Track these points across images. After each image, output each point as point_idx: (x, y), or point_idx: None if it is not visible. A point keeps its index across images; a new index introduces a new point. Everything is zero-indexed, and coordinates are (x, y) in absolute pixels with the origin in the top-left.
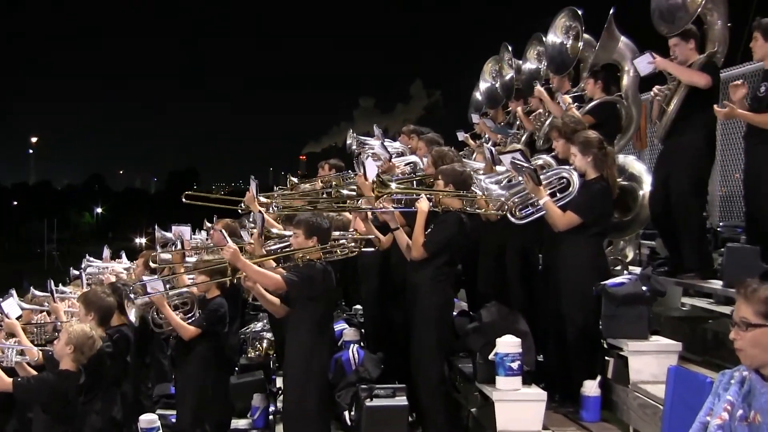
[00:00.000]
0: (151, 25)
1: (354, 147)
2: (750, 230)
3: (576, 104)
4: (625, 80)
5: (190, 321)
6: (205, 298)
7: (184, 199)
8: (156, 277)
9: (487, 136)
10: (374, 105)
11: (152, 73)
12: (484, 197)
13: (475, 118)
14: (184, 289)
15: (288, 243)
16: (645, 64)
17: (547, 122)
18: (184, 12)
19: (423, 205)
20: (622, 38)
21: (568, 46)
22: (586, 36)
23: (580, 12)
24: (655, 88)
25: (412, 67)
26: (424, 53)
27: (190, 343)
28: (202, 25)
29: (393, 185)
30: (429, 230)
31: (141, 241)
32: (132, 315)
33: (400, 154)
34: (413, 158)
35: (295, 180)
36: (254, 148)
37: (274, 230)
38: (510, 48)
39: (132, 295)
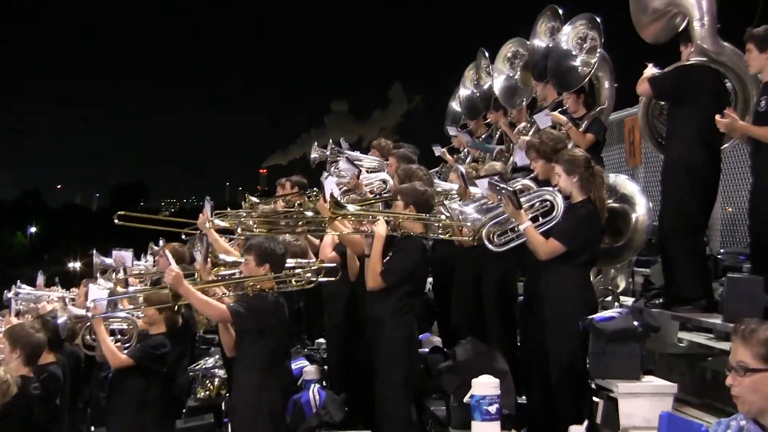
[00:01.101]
0: (86, 27)
1: (328, 159)
2: (756, 258)
3: (570, 123)
4: (604, 93)
5: (125, 351)
6: (148, 333)
7: (116, 221)
8: (102, 287)
9: (466, 150)
10: (348, 110)
11: (94, 75)
12: (453, 221)
13: (452, 130)
14: (126, 315)
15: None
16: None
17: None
18: (115, 12)
19: (380, 228)
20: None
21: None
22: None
23: (560, 11)
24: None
25: (391, 68)
26: (404, 52)
27: (124, 380)
28: (148, 24)
29: (349, 207)
30: (387, 258)
31: (75, 265)
32: (60, 320)
33: (377, 170)
34: (384, 175)
35: (255, 199)
36: (209, 159)
37: (227, 257)
38: (487, 54)
39: (67, 302)
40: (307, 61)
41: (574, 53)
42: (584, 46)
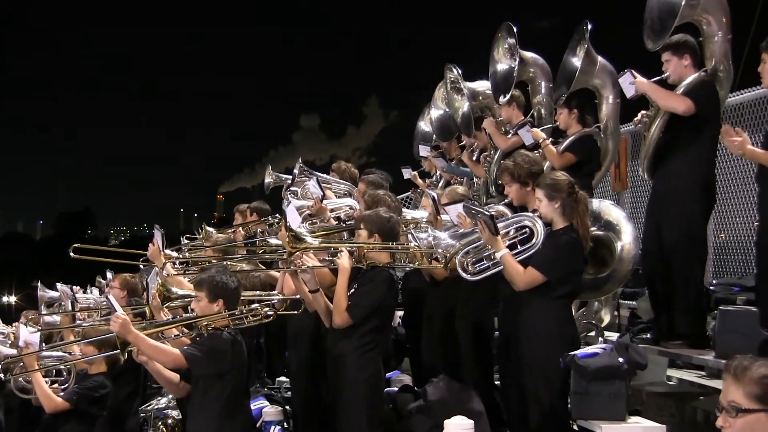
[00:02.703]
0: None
1: (295, 180)
2: (762, 290)
3: (551, 139)
4: (605, 109)
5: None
6: (87, 373)
7: (72, 254)
8: (34, 328)
9: (438, 174)
10: (319, 126)
11: (34, 94)
12: (420, 249)
13: (423, 151)
14: (62, 354)
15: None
16: (627, 84)
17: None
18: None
19: (344, 261)
20: (600, 59)
21: (513, 68)
22: (528, 54)
23: (515, 28)
24: (641, 113)
25: (367, 81)
26: (381, 63)
27: (59, 425)
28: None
29: (308, 239)
30: (353, 291)
31: (10, 299)
32: None
33: (347, 195)
34: (351, 201)
35: (211, 230)
36: (162, 184)
37: (179, 290)
38: (456, 70)
39: None
40: (273, 71)
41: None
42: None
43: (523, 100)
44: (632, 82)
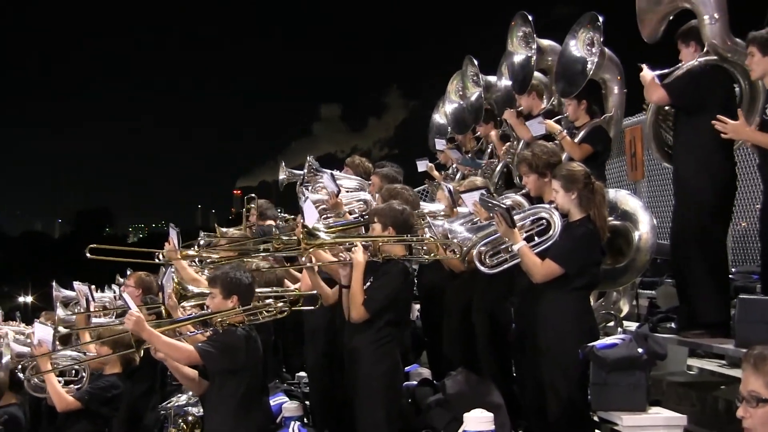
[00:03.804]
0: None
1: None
2: (766, 277)
3: (566, 130)
4: (612, 99)
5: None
6: (101, 373)
7: (88, 255)
8: (48, 324)
9: (454, 166)
10: (340, 115)
11: (53, 94)
12: (436, 241)
13: (439, 144)
14: (76, 353)
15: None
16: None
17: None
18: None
19: (358, 255)
20: (607, 51)
21: (531, 57)
22: (545, 42)
23: (530, 17)
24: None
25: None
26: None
27: (69, 424)
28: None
29: (322, 235)
30: (368, 285)
31: (26, 300)
32: (3, 359)
33: (357, 190)
34: (365, 195)
35: (224, 229)
36: (179, 180)
37: (195, 288)
38: (476, 62)
39: (8, 338)
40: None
41: (587, 59)
42: (593, 50)
43: (542, 88)
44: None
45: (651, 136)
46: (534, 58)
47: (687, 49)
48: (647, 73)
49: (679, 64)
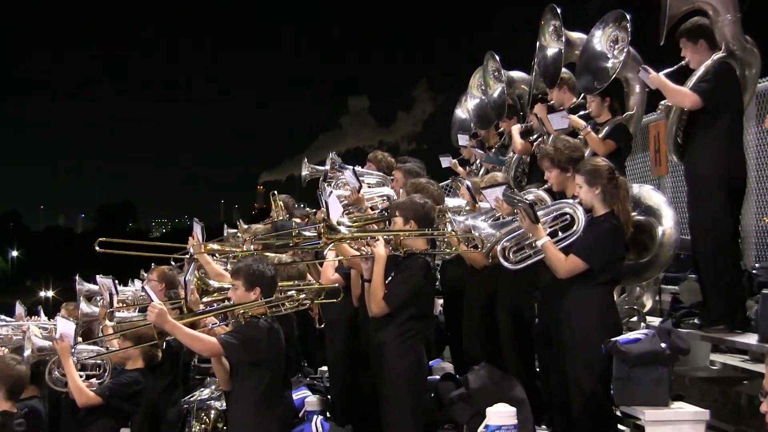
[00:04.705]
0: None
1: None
2: None
3: (589, 125)
4: (633, 98)
5: (94, 387)
6: (124, 369)
7: (97, 248)
8: (71, 321)
9: (478, 162)
10: (369, 108)
11: (77, 87)
12: (457, 235)
13: (462, 140)
14: (98, 348)
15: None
16: (648, 79)
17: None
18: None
19: (380, 249)
20: (631, 50)
21: (561, 50)
22: (574, 35)
23: (558, 9)
24: (660, 104)
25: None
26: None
27: (90, 420)
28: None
29: (343, 229)
30: (390, 279)
31: (47, 294)
32: (25, 353)
33: (379, 185)
34: (387, 190)
35: (245, 225)
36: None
37: (216, 283)
38: (497, 57)
39: (30, 333)
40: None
41: (608, 55)
42: (616, 47)
43: (573, 81)
44: (649, 78)
45: (671, 136)
46: (563, 51)
47: (695, 47)
48: (659, 77)
49: (682, 62)
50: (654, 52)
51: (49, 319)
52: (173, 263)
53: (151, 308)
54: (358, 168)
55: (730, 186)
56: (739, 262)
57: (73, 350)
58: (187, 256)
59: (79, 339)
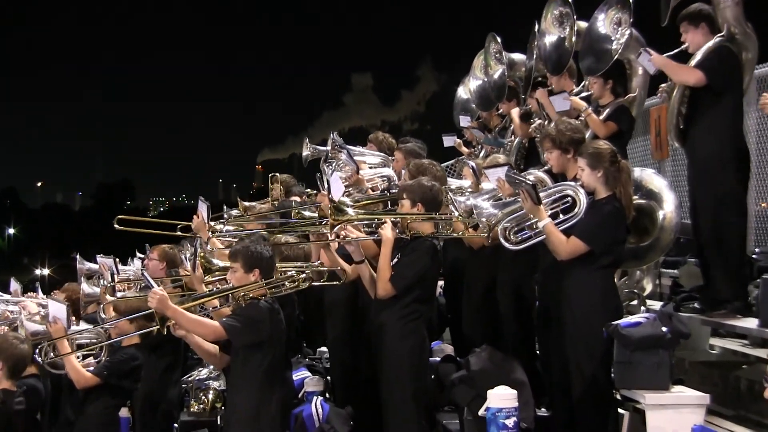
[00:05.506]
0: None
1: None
2: None
3: (590, 108)
4: (636, 80)
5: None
6: (120, 345)
7: (116, 225)
8: (61, 301)
9: (479, 144)
10: (372, 86)
11: (75, 63)
12: (461, 219)
13: (464, 121)
14: (92, 327)
15: None
16: (647, 62)
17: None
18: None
19: (387, 232)
20: (634, 32)
21: (564, 38)
22: (580, 23)
23: None
24: (660, 87)
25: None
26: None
27: (90, 400)
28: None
29: (350, 211)
30: (396, 261)
31: (43, 272)
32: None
33: (380, 166)
34: (387, 171)
35: (246, 204)
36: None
37: (220, 262)
38: (499, 39)
39: (23, 317)
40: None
41: (612, 38)
42: (620, 29)
43: (575, 68)
44: (650, 59)
45: (673, 119)
46: (567, 38)
47: (696, 31)
48: (660, 57)
49: (685, 45)
50: (656, 37)
51: (46, 297)
52: (186, 240)
53: (152, 294)
54: (357, 148)
55: (736, 165)
56: (744, 244)
57: (67, 331)
58: (191, 234)
59: (73, 319)
